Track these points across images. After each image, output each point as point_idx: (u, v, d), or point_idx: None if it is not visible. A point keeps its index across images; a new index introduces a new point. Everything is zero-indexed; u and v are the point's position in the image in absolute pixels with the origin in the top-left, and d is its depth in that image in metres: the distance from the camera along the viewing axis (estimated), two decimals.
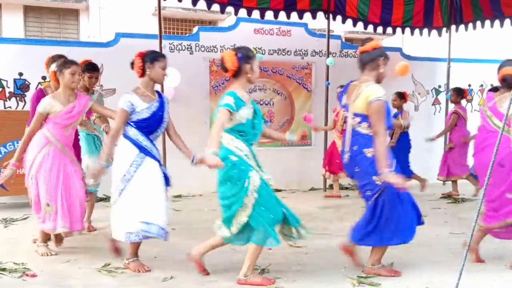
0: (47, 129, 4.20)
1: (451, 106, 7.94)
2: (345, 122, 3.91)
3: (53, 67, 4.41)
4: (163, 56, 3.91)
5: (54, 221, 4.14)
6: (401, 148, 7.19)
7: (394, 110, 7.29)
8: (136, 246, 3.83)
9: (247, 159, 3.49)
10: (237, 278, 3.53)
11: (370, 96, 3.51)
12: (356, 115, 3.62)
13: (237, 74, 3.58)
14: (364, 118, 3.58)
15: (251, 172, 3.43)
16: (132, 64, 3.86)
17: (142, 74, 3.84)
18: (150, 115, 3.81)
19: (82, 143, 5.10)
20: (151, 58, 3.81)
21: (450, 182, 7.70)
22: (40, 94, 4.67)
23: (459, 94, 7.56)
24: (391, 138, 7.24)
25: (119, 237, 3.78)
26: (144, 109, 3.79)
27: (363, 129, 3.58)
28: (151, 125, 3.83)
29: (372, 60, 3.64)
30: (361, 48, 3.71)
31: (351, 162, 3.68)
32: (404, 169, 7.27)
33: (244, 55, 3.56)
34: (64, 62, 4.29)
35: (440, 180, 7.76)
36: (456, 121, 7.45)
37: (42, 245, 4.31)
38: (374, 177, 3.52)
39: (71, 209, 4.18)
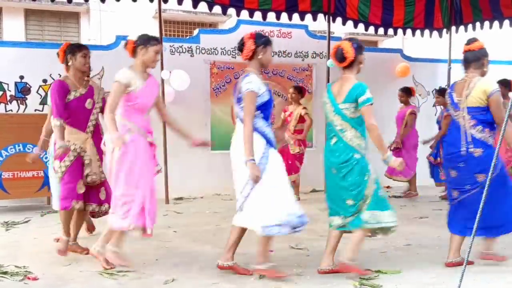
0: (125, 118, 3.70)
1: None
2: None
3: (134, 37, 3.82)
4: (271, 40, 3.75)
5: (132, 218, 3.64)
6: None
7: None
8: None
9: (366, 152, 3.58)
10: (340, 261, 3.61)
11: (488, 88, 3.68)
12: (470, 109, 3.73)
13: (351, 64, 3.59)
14: (480, 111, 3.69)
15: (370, 167, 3.55)
16: (242, 45, 3.59)
17: (252, 57, 3.60)
18: (270, 98, 3.59)
19: None
20: (264, 41, 3.60)
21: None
22: (63, 84, 4.17)
23: (407, 93, 7.62)
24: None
25: (257, 229, 3.48)
26: (265, 91, 3.55)
27: (477, 132, 3.72)
28: (268, 109, 3.59)
29: (478, 59, 3.81)
30: (467, 47, 3.86)
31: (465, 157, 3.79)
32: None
33: (359, 45, 3.62)
34: (150, 37, 3.79)
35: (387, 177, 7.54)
36: (413, 122, 7.50)
37: (114, 249, 3.74)
38: (476, 174, 3.72)
39: (152, 204, 3.70)
